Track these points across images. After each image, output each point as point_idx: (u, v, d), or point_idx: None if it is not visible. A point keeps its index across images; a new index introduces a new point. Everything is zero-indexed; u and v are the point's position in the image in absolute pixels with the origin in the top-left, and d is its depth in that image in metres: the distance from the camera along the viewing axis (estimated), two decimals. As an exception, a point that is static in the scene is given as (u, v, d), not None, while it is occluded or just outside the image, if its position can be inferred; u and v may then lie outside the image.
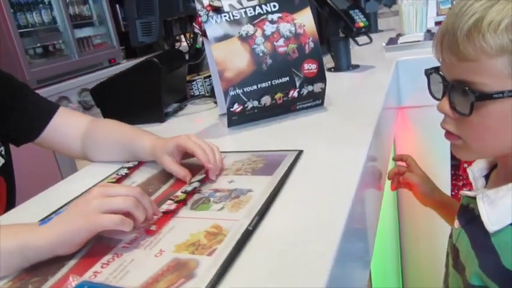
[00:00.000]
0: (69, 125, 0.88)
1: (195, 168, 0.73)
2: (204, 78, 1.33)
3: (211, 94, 1.33)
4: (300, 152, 0.75)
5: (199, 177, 0.71)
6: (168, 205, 0.62)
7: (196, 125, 1.05)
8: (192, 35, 1.34)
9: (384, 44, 1.58)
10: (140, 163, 0.82)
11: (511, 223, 0.56)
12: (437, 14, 1.95)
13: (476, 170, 0.69)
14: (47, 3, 2.89)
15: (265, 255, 0.49)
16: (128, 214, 0.54)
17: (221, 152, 0.81)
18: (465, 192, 0.66)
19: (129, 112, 1.06)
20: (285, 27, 0.93)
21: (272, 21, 0.93)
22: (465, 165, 1.58)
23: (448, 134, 0.61)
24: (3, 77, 0.86)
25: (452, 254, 0.70)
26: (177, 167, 0.71)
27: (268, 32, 0.92)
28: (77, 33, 3.10)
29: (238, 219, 0.56)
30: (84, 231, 0.52)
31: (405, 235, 1.59)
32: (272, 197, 0.61)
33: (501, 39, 0.49)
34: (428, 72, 0.64)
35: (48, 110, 0.88)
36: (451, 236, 0.73)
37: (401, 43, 1.53)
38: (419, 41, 1.51)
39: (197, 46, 1.45)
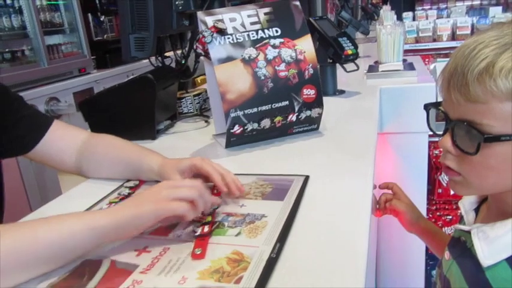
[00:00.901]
0: (64, 139, 0.85)
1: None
2: (194, 96, 1.32)
3: (200, 112, 1.33)
4: (307, 178, 0.76)
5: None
6: (200, 228, 0.61)
7: (190, 144, 1.04)
8: (183, 53, 1.33)
9: (365, 71, 1.64)
10: (141, 182, 0.80)
11: (506, 258, 0.57)
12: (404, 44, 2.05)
13: (467, 204, 0.71)
14: (17, 7, 2.78)
15: (294, 281, 0.49)
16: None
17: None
18: (459, 226, 0.67)
19: (120, 128, 1.03)
20: (286, 53, 0.95)
21: (274, 46, 0.95)
22: (439, 190, 1.65)
23: (448, 170, 0.62)
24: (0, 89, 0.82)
25: (443, 284, 0.71)
26: None
27: (270, 56, 0.94)
28: (47, 40, 3.00)
29: (259, 245, 0.56)
30: (153, 215, 0.56)
31: (381, 255, 1.63)
32: (288, 224, 0.61)
33: (511, 84, 0.51)
34: (428, 108, 0.66)
35: (43, 123, 0.84)
36: (439, 266, 0.75)
37: (382, 71, 1.59)
38: (399, 70, 1.58)
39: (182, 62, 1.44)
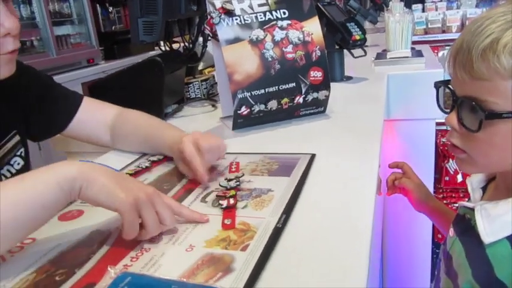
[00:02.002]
0: (95, 118, 0.87)
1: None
2: (201, 81, 1.33)
3: (208, 97, 1.33)
4: (313, 156, 0.76)
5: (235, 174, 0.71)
6: (225, 201, 0.62)
7: (198, 127, 1.04)
8: (191, 38, 1.34)
9: (373, 58, 1.63)
10: (165, 158, 0.81)
11: (507, 236, 0.57)
12: (413, 34, 2.03)
13: (475, 182, 0.71)
14: (26, -3, 2.81)
15: (299, 250, 0.50)
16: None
17: (232, 153, 0.82)
18: (463, 203, 0.68)
19: (129, 110, 1.04)
20: (294, 34, 0.95)
21: (282, 28, 0.95)
22: (446, 178, 1.65)
23: (453, 148, 0.62)
24: (31, 73, 0.84)
25: (445, 261, 0.72)
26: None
27: (277, 38, 0.94)
28: (56, 31, 3.03)
29: (265, 217, 0.57)
30: (117, 198, 0.50)
31: (387, 237, 1.63)
32: (294, 197, 0.62)
33: None
34: (437, 86, 0.66)
35: (73, 102, 0.87)
36: (444, 243, 0.76)
37: (390, 58, 1.59)
38: (407, 57, 1.57)
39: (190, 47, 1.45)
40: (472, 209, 0.63)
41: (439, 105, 0.67)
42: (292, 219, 0.57)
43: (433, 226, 1.66)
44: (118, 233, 0.56)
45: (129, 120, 0.87)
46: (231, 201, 0.61)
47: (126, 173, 0.74)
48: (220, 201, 0.61)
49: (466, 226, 0.65)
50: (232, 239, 0.53)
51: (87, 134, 0.88)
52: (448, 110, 0.62)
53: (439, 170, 1.61)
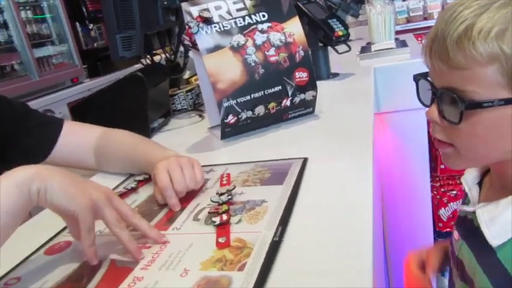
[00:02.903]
0: (78, 142, 0.84)
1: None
2: (186, 92, 1.30)
3: (194, 108, 1.31)
4: (306, 160, 0.74)
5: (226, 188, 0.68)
6: (217, 217, 0.59)
7: (186, 139, 1.02)
8: (172, 49, 1.31)
9: (358, 52, 1.62)
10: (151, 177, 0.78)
11: None
12: (396, 24, 2.02)
13: (469, 179, 0.68)
14: (1, 22, 2.76)
15: (298, 264, 0.48)
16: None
17: (222, 164, 0.80)
18: (463, 207, 0.65)
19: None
20: (275, 37, 0.93)
21: (262, 31, 0.93)
22: (442, 166, 1.63)
23: (439, 143, 0.59)
24: (2, 103, 0.80)
25: (456, 265, 0.68)
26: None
27: (259, 42, 0.92)
28: (36, 53, 2.98)
29: (261, 230, 0.55)
30: (75, 201, 0.51)
31: (389, 233, 1.61)
32: (289, 206, 0.60)
33: (491, 47, 0.48)
34: (417, 78, 0.62)
35: (53, 128, 0.83)
36: (451, 244, 0.71)
37: (375, 51, 1.57)
38: (392, 48, 1.55)
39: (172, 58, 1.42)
40: (473, 212, 0.60)
41: (419, 99, 0.64)
42: (289, 230, 0.54)
43: (433, 215, 1.65)
44: (109, 264, 0.54)
45: (112, 141, 0.84)
46: (224, 217, 0.58)
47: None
48: (213, 218, 0.59)
49: (469, 227, 0.63)
50: (229, 258, 0.50)
51: (71, 160, 0.85)
52: (429, 104, 0.59)
53: (434, 158, 1.59)
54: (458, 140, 0.56)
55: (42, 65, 2.98)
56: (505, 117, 0.52)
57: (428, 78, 0.58)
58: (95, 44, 3.80)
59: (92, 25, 3.81)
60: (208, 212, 0.62)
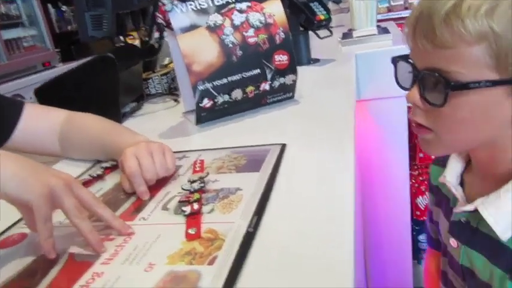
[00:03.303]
0: (40, 126, 0.78)
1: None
2: (161, 75, 1.24)
3: (169, 92, 1.25)
4: (284, 146, 0.70)
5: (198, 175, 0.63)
6: (188, 207, 0.54)
7: (158, 125, 0.96)
8: (146, 30, 1.25)
9: (340, 38, 1.58)
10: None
11: None
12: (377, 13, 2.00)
13: (452, 179, 0.64)
14: (-33, 0, 2.62)
15: (274, 257, 0.44)
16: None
17: (196, 150, 0.75)
18: (462, 208, 0.60)
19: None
20: (254, 17, 0.88)
21: (241, 11, 0.88)
22: (421, 154, 1.63)
23: (418, 128, 0.57)
24: None
25: (461, 275, 0.64)
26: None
27: (237, 22, 0.87)
28: (5, 35, 2.84)
29: (234, 221, 0.51)
30: (29, 188, 0.47)
31: (367, 222, 1.60)
32: (266, 195, 0.56)
33: (480, 25, 0.46)
34: (395, 60, 0.59)
35: (12, 111, 0.77)
36: (445, 255, 0.68)
37: (356, 37, 1.54)
38: (374, 34, 1.52)
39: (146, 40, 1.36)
40: (472, 211, 0.57)
41: (398, 82, 0.60)
42: (264, 220, 0.50)
43: (411, 204, 1.65)
44: (67, 258, 0.49)
45: (78, 126, 0.78)
46: (195, 206, 0.54)
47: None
48: (183, 208, 0.54)
49: (468, 231, 0.60)
50: (198, 251, 0.46)
51: (33, 145, 0.78)
52: (409, 87, 0.55)
53: (413, 147, 1.58)
54: (440, 123, 0.53)
55: (11, 47, 2.84)
56: (491, 100, 0.49)
57: (410, 60, 0.55)
58: (69, 27, 3.67)
59: (65, 7, 3.67)
60: (179, 201, 0.57)
